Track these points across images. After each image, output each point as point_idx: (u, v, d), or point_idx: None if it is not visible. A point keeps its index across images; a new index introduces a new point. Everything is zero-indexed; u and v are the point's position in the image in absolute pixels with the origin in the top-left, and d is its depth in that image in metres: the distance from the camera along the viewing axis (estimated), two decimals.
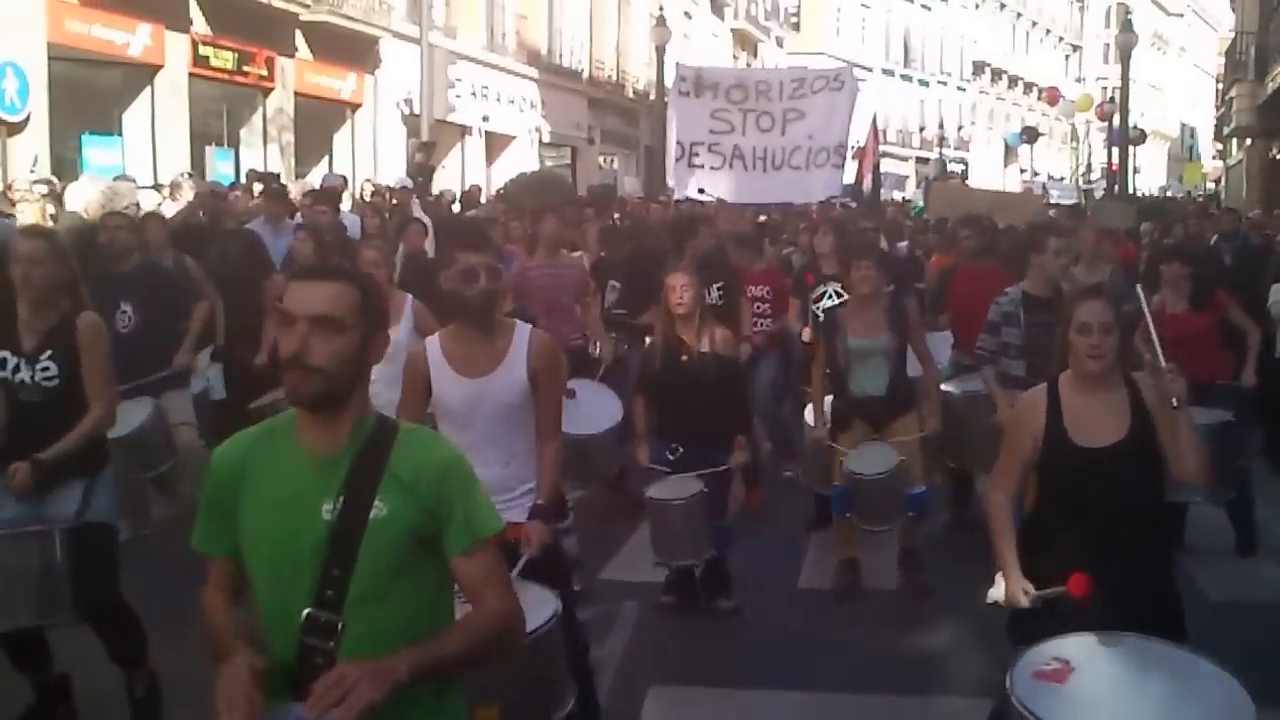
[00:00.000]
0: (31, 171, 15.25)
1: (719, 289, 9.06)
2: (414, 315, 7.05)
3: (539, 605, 4.04)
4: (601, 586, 7.45)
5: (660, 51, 29.71)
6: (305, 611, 2.76)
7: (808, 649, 6.79)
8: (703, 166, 12.30)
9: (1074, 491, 4.41)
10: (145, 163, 18.98)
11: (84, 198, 11.45)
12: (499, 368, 4.63)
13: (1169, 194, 46.28)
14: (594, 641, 5.95)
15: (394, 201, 15.56)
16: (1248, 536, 8.41)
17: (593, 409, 7.75)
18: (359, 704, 2.52)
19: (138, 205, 12.25)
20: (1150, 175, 74.84)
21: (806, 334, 9.00)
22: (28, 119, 16.65)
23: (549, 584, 4.34)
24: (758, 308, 9.84)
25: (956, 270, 9.42)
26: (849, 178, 20.73)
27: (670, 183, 14.38)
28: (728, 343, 7.20)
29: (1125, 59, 29.77)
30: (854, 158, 20.16)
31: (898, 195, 39.86)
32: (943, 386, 8.23)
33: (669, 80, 19.48)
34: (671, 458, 6.99)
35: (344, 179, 16.24)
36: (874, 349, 7.38)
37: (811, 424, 7.88)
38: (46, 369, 5.23)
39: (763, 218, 14.41)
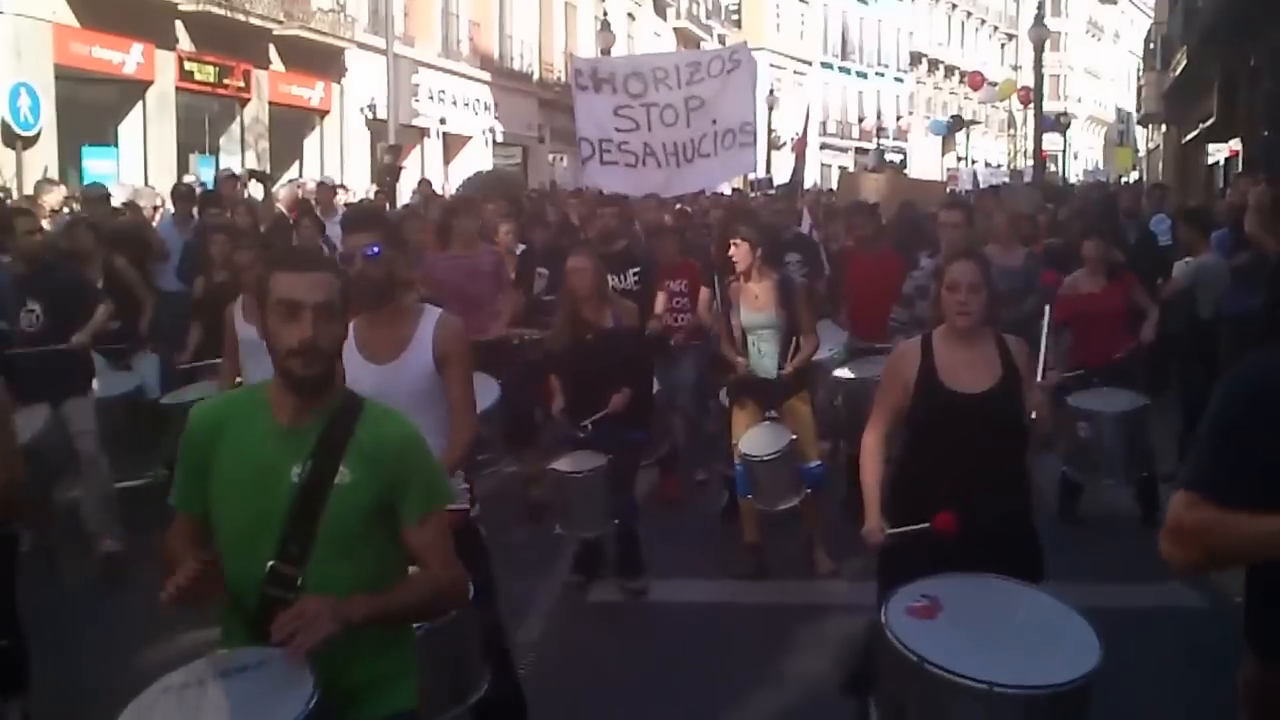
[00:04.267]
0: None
1: (635, 275, 8.95)
2: None
3: None
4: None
5: (605, 54, 31.24)
6: (269, 564, 2.94)
7: (729, 550, 7.69)
8: (617, 164, 12.25)
9: (943, 434, 4.50)
10: (137, 170, 20.62)
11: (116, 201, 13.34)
12: (405, 353, 4.48)
13: (1098, 178, 47.69)
14: (525, 572, 6.90)
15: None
16: (1152, 511, 8.22)
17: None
18: (319, 633, 2.78)
19: (157, 207, 14.20)
20: (1087, 159, 76.57)
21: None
22: (39, 134, 18.26)
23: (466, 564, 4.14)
24: (676, 302, 9.50)
25: (850, 256, 9.47)
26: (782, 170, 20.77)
27: (583, 180, 14.47)
28: (632, 314, 7.35)
29: (1038, 51, 31.74)
30: (793, 150, 19.98)
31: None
32: (838, 372, 8.45)
33: None
34: (581, 435, 7.09)
35: (232, 174, 16.26)
36: (765, 324, 7.42)
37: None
38: None
39: (678, 206, 14.64)
